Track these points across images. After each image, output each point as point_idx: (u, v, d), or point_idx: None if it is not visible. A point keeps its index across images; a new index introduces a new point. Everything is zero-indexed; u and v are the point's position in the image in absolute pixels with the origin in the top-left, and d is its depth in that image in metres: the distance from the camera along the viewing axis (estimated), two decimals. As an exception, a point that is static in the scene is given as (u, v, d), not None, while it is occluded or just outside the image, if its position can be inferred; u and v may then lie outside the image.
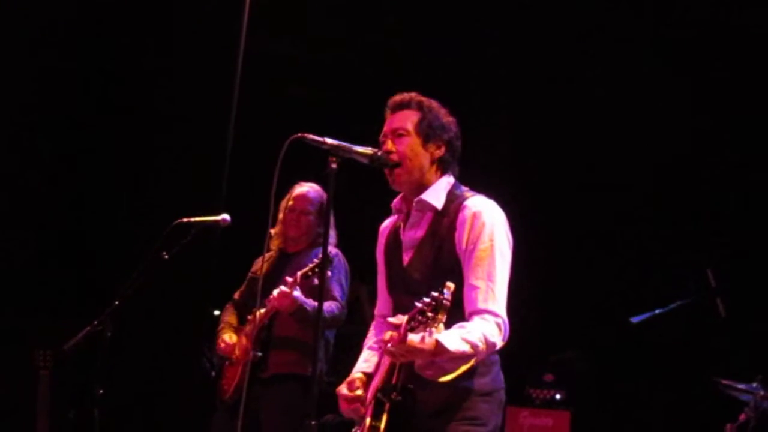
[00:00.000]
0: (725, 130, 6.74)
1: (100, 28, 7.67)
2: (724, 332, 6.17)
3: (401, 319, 3.24)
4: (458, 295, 3.37)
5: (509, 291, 3.52)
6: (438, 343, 3.22)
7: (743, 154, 6.68)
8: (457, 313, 3.37)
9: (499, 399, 3.55)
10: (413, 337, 3.19)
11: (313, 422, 3.30)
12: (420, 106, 3.62)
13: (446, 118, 3.66)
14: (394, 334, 3.23)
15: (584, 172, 7.07)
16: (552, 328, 7.16)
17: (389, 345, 3.26)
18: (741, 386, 5.36)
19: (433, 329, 3.16)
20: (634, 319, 5.97)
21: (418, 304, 3.18)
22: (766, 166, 6.57)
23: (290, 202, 5.41)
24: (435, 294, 3.14)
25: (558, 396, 7.07)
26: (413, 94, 3.67)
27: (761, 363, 5.46)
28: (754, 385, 5.31)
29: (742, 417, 5.30)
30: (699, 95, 6.74)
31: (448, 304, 3.13)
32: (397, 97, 3.67)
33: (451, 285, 3.15)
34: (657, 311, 5.97)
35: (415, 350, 3.23)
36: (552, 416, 7.03)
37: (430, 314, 3.14)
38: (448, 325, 3.28)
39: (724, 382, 5.44)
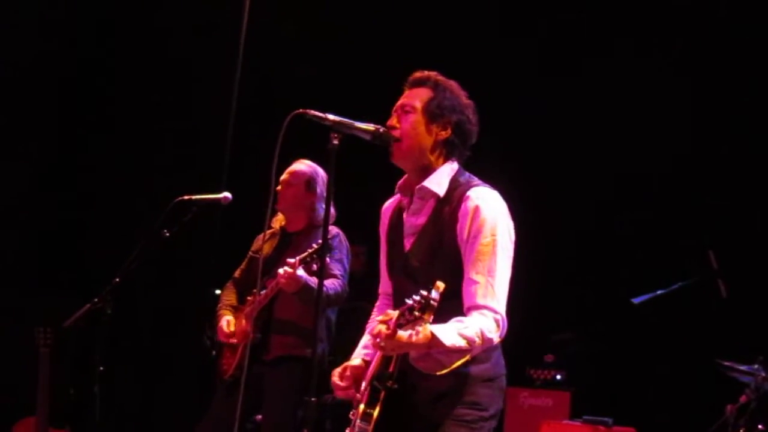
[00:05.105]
0: (727, 115, 6.73)
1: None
2: (725, 313, 6.17)
3: (391, 315, 3.21)
4: (458, 286, 3.36)
5: (511, 272, 3.47)
6: (433, 336, 3.20)
7: (745, 136, 6.67)
8: (456, 304, 3.36)
9: (499, 384, 3.52)
10: (402, 334, 3.17)
11: (312, 399, 3.29)
12: (435, 86, 3.57)
13: (461, 100, 3.58)
14: (383, 327, 3.21)
15: (586, 152, 7.05)
16: (553, 309, 7.16)
17: (378, 340, 3.24)
18: (742, 368, 5.36)
19: (419, 328, 3.13)
20: (636, 300, 5.96)
21: (408, 301, 3.14)
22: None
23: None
24: (424, 293, 3.10)
25: (558, 377, 7.08)
26: (433, 73, 3.61)
27: (762, 344, 5.45)
28: (755, 366, 5.31)
29: (743, 398, 5.30)
30: (700, 85, 6.75)
31: (436, 304, 3.09)
32: (417, 74, 3.62)
33: (440, 285, 3.11)
34: (658, 292, 5.97)
35: (405, 345, 3.21)
36: (552, 397, 7.03)
37: (417, 313, 3.11)
38: (446, 315, 3.26)
39: (726, 363, 5.43)
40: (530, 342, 7.15)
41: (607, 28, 7.06)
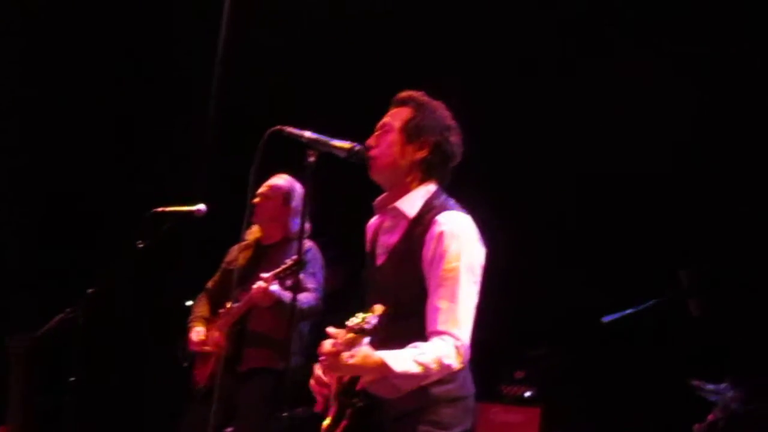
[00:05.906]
0: (708, 135, 6.76)
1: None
2: (695, 333, 6.21)
3: (339, 333, 3.21)
4: (422, 308, 3.36)
5: (481, 288, 3.46)
6: (383, 363, 3.19)
7: (721, 152, 6.72)
8: (418, 325, 3.35)
9: (466, 405, 3.48)
10: (343, 354, 3.15)
11: (284, 414, 3.31)
12: (417, 106, 3.56)
13: (443, 121, 3.56)
14: (327, 344, 3.22)
15: (558, 169, 7.08)
16: (523, 326, 7.18)
17: (322, 358, 3.25)
18: (710, 387, 5.38)
19: (355, 351, 3.12)
20: (605, 319, 5.98)
21: (348, 324, 3.15)
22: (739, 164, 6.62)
23: None
24: (361, 315, 3.11)
25: (528, 393, 7.11)
26: (418, 93, 3.60)
27: (731, 363, 5.49)
28: (723, 385, 5.33)
29: (711, 417, 5.33)
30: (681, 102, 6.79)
31: (369, 328, 3.09)
32: (402, 94, 3.61)
33: (378, 308, 3.12)
34: (628, 311, 5.99)
35: (346, 367, 3.20)
36: (522, 412, 7.05)
37: (352, 335, 3.11)
38: (406, 335, 3.29)
39: (694, 382, 5.47)
40: (501, 358, 7.19)
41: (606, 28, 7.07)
